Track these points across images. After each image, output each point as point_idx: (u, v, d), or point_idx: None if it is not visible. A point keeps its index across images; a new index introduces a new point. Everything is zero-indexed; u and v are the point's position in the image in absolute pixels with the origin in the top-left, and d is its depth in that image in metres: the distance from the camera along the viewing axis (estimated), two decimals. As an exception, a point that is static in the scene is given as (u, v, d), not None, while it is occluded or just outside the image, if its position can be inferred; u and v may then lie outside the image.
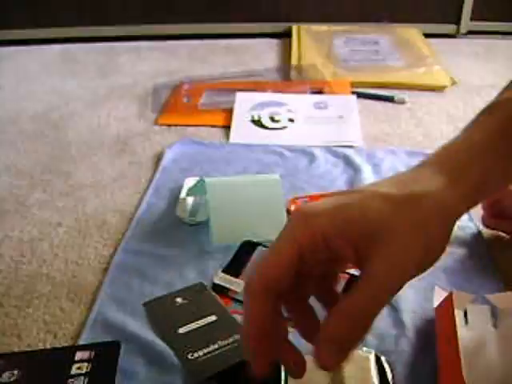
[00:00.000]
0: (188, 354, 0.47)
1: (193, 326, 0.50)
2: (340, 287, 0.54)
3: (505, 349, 0.43)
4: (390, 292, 0.31)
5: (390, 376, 0.43)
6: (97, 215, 0.69)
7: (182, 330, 0.50)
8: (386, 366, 0.44)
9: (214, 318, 0.51)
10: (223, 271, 0.56)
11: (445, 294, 0.50)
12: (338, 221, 0.32)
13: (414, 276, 0.33)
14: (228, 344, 0.48)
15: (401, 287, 0.31)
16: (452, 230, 0.34)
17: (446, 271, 0.57)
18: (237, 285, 0.54)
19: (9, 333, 0.51)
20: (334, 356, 0.31)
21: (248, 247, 0.59)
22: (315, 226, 0.32)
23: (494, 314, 0.47)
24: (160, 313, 0.52)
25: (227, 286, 0.54)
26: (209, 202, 0.63)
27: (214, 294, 0.54)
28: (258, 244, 0.60)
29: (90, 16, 1.39)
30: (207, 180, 0.64)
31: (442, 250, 0.35)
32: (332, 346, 0.31)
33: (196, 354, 0.47)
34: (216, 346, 0.48)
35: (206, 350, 0.47)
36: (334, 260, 0.33)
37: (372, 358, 0.44)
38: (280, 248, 0.32)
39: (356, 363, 0.43)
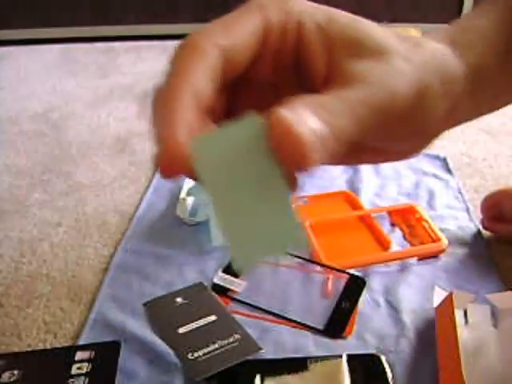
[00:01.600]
0: (188, 353, 0.47)
1: (193, 325, 0.50)
2: (340, 287, 0.54)
3: (505, 349, 0.43)
4: (378, 102, 0.24)
5: (390, 376, 0.43)
6: (97, 215, 0.69)
7: (181, 330, 0.50)
8: (386, 365, 0.44)
9: (213, 317, 0.51)
10: (223, 271, 0.56)
11: (445, 294, 0.50)
12: (321, 18, 0.26)
13: (403, 112, 0.25)
14: (228, 344, 0.48)
15: (388, 107, 0.25)
16: (449, 94, 0.28)
17: (446, 271, 0.57)
18: (237, 285, 0.54)
19: (9, 333, 0.51)
20: (311, 140, 0.21)
21: None
22: (295, 9, 0.25)
23: (494, 314, 0.47)
24: (160, 313, 0.52)
25: (227, 286, 0.54)
26: (209, 202, 0.62)
27: (213, 293, 0.54)
28: None
29: (90, 16, 1.39)
30: None
31: (435, 100, 0.27)
32: (310, 111, 0.21)
33: (196, 354, 0.47)
34: (216, 346, 0.48)
35: (205, 350, 0.47)
36: (293, 69, 0.26)
37: (344, 362, 0.44)
38: (243, 19, 0.25)
39: (327, 371, 0.43)
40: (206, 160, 0.21)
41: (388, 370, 0.44)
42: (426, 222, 0.63)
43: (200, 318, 0.51)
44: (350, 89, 0.23)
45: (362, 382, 0.43)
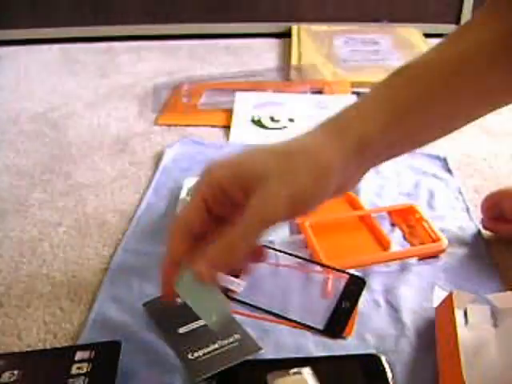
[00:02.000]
0: (188, 353, 0.47)
1: (193, 325, 0.50)
2: (340, 287, 0.54)
3: (505, 349, 0.43)
4: (260, 225, 0.39)
5: (389, 376, 0.43)
6: (97, 215, 0.69)
7: (182, 330, 0.50)
8: (386, 365, 0.44)
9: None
10: None
11: (445, 294, 0.50)
12: (232, 172, 0.41)
13: (287, 216, 0.40)
14: (228, 344, 0.48)
15: (271, 224, 0.39)
16: (328, 181, 0.40)
17: (446, 271, 0.57)
18: (236, 285, 0.54)
19: (9, 333, 0.51)
20: (207, 270, 0.40)
21: None
22: (214, 178, 0.41)
23: (494, 313, 0.47)
24: (160, 313, 0.52)
25: (227, 286, 0.54)
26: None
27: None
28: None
29: (90, 16, 1.39)
30: None
31: (314, 198, 0.41)
32: (207, 263, 0.40)
33: (196, 354, 0.47)
34: (216, 346, 0.48)
35: (205, 350, 0.47)
36: (234, 204, 0.40)
37: (307, 376, 0.43)
38: (191, 198, 0.42)
39: None
40: (182, 285, 0.43)
41: (388, 370, 0.44)
42: (426, 222, 0.63)
43: (200, 318, 0.51)
44: (234, 229, 0.39)
45: (362, 382, 0.43)
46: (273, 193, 0.38)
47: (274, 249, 0.58)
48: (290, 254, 0.58)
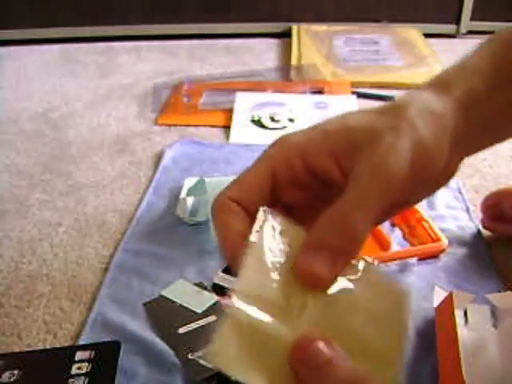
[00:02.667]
0: (188, 353, 0.47)
1: (193, 325, 0.50)
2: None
3: (505, 349, 0.43)
4: (378, 195, 0.27)
5: None
6: (97, 215, 0.69)
7: (182, 330, 0.50)
8: None
9: (213, 318, 0.51)
10: (223, 271, 0.56)
11: (445, 294, 0.50)
12: (317, 137, 0.30)
13: (408, 181, 0.28)
14: None
15: (391, 191, 0.27)
16: (445, 137, 0.30)
17: (446, 271, 0.57)
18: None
19: (9, 333, 0.51)
20: (329, 264, 0.26)
21: None
22: (292, 146, 0.30)
23: (494, 313, 0.47)
24: (160, 313, 0.52)
25: (227, 285, 0.54)
26: (209, 202, 0.62)
27: (213, 294, 0.54)
28: None
29: (90, 16, 1.39)
30: (207, 180, 0.64)
31: (439, 154, 0.30)
32: (324, 252, 0.26)
33: (196, 354, 0.47)
34: None
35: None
36: (316, 185, 0.30)
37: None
38: (252, 168, 0.30)
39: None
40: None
41: None
42: (426, 221, 0.63)
43: (200, 318, 0.51)
44: (345, 199, 0.27)
45: None
46: (391, 146, 0.28)
47: None
48: None
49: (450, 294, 0.48)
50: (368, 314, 0.29)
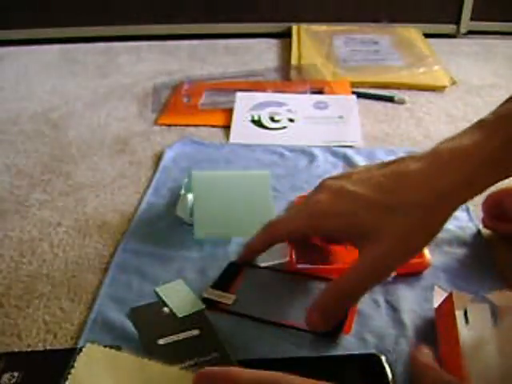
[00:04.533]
0: None
1: (173, 338, 0.49)
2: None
3: (505, 348, 0.43)
4: (371, 281, 0.42)
5: (390, 376, 0.43)
6: (97, 215, 0.69)
7: (161, 342, 0.48)
8: (386, 365, 0.44)
9: (196, 332, 0.49)
10: (212, 287, 0.55)
11: (445, 295, 0.50)
12: (336, 225, 0.44)
13: (394, 269, 0.44)
14: (204, 361, 0.46)
15: (381, 279, 0.43)
16: (438, 229, 0.43)
17: (445, 271, 0.57)
18: (227, 298, 0.53)
19: (9, 333, 0.51)
20: (320, 320, 0.44)
21: (235, 266, 0.57)
22: (320, 227, 0.45)
23: (494, 312, 0.47)
24: (144, 321, 0.51)
25: (217, 299, 0.53)
26: (194, 196, 0.62)
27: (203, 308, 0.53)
28: (244, 263, 0.58)
29: (90, 16, 1.39)
30: (194, 173, 0.64)
31: (421, 249, 0.45)
32: (319, 313, 0.44)
33: None
34: (192, 363, 0.45)
35: (181, 365, 0.45)
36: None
37: None
38: (290, 223, 0.48)
39: None
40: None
41: (388, 370, 0.44)
42: None
43: (182, 331, 0.49)
44: (345, 277, 0.45)
45: (361, 383, 0.43)
46: (387, 252, 0.41)
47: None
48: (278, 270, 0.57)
49: (450, 294, 0.48)
50: None
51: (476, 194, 0.43)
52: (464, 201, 0.43)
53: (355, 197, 0.43)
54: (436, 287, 0.53)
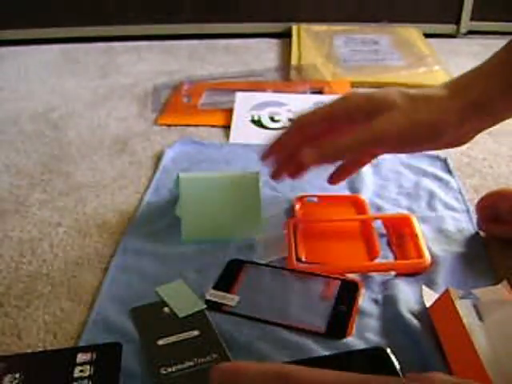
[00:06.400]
0: (161, 368, 0.46)
1: (173, 338, 0.49)
2: (335, 291, 0.54)
3: (492, 342, 0.43)
4: (370, 139, 0.48)
5: (397, 367, 0.43)
6: (97, 215, 0.69)
7: (161, 342, 0.48)
8: (392, 357, 0.44)
9: (196, 333, 0.49)
10: (213, 288, 0.55)
11: (432, 293, 0.50)
12: (367, 97, 0.49)
13: (396, 145, 0.49)
14: (204, 363, 0.46)
15: (378, 144, 0.49)
16: (444, 128, 0.47)
17: (443, 271, 0.57)
18: (230, 299, 0.53)
19: (9, 333, 0.51)
20: (312, 152, 0.49)
21: (235, 265, 0.58)
22: (350, 96, 0.50)
23: (478, 307, 0.47)
24: (144, 321, 0.51)
25: (220, 301, 0.53)
26: (181, 199, 0.62)
27: (204, 308, 0.52)
28: (245, 261, 0.58)
29: (89, 16, 1.39)
30: (181, 175, 0.63)
31: (426, 138, 0.48)
32: (314, 147, 0.50)
33: (170, 369, 0.45)
34: (191, 364, 0.46)
35: (180, 366, 0.45)
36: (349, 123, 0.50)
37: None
38: (325, 107, 0.51)
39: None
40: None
41: (395, 360, 0.43)
42: (417, 237, 0.60)
43: (182, 332, 0.49)
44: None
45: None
46: (393, 119, 0.47)
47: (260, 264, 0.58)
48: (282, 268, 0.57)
49: (447, 290, 0.48)
50: None
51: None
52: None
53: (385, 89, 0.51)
54: (423, 287, 0.53)
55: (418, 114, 0.47)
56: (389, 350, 0.44)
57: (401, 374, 0.42)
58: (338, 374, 0.32)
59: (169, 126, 0.92)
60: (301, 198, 0.69)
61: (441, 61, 1.16)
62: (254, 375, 0.32)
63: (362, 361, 0.43)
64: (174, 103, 1.00)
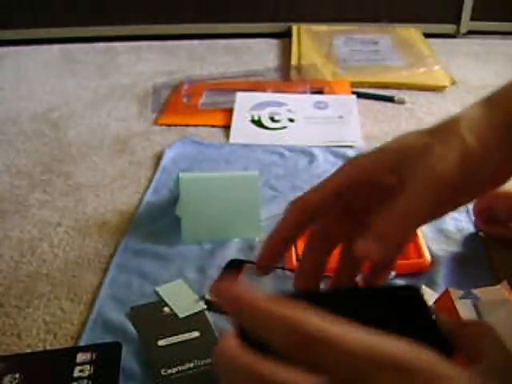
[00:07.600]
0: (162, 369, 0.46)
1: (173, 339, 0.49)
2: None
3: None
4: (430, 196, 0.34)
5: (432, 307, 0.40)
6: (97, 215, 0.69)
7: (161, 343, 0.48)
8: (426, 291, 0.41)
9: (196, 334, 0.49)
10: None
11: (432, 293, 0.50)
12: (379, 156, 0.37)
13: (458, 184, 0.35)
14: (204, 365, 0.46)
15: (441, 193, 0.34)
16: (492, 146, 0.36)
17: (443, 271, 0.57)
18: None
19: (9, 333, 0.51)
20: (383, 250, 0.33)
21: (235, 265, 0.58)
22: (359, 166, 0.37)
23: (479, 307, 0.47)
24: (144, 321, 0.51)
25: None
26: (181, 199, 0.62)
27: (204, 308, 0.53)
28: (245, 261, 0.58)
29: (90, 16, 1.39)
30: (181, 175, 0.63)
31: (487, 161, 0.36)
32: (381, 241, 0.33)
33: (170, 371, 0.46)
34: (191, 365, 0.46)
35: (180, 368, 0.46)
36: (377, 192, 0.37)
37: None
38: (323, 182, 0.37)
39: None
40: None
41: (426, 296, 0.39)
42: (416, 236, 0.60)
43: (182, 333, 0.49)
44: (404, 200, 0.34)
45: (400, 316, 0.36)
46: (441, 157, 0.35)
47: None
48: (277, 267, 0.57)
49: (447, 291, 0.48)
50: None
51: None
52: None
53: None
54: (423, 287, 0.53)
55: (447, 159, 0.35)
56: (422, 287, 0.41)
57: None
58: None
59: (169, 126, 0.92)
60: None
61: (441, 61, 1.16)
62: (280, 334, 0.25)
63: (394, 296, 0.37)
64: (173, 103, 1.00)
